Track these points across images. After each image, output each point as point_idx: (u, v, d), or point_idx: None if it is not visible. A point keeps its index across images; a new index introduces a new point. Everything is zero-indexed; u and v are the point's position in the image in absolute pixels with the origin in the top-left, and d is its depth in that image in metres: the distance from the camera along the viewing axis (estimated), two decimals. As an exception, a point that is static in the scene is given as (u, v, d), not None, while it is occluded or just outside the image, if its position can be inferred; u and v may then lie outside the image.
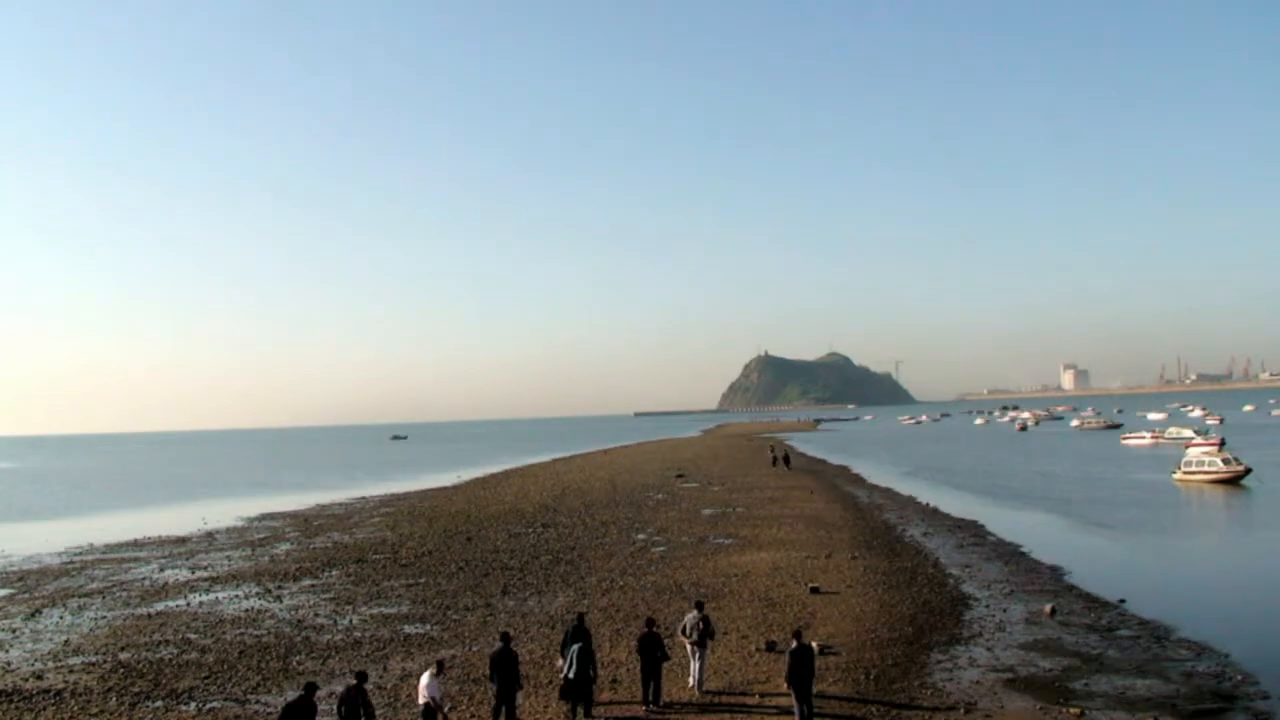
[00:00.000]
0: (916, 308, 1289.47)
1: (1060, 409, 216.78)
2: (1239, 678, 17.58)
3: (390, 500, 62.89)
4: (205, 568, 34.71)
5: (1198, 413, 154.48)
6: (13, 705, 17.52)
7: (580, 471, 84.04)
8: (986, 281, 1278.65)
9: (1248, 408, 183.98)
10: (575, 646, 15.62)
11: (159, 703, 17.41)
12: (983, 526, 39.85)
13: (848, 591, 25.76)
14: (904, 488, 59.17)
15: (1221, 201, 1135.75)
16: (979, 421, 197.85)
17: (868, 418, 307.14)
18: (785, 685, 15.15)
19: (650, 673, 16.20)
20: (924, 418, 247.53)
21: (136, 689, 18.30)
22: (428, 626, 23.25)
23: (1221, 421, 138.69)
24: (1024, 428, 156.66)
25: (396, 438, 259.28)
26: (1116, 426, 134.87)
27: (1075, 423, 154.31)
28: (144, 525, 51.64)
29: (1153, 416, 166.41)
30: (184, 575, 33.13)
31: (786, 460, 79.82)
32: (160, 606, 27.33)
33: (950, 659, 19.07)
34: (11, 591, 31.15)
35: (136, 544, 43.24)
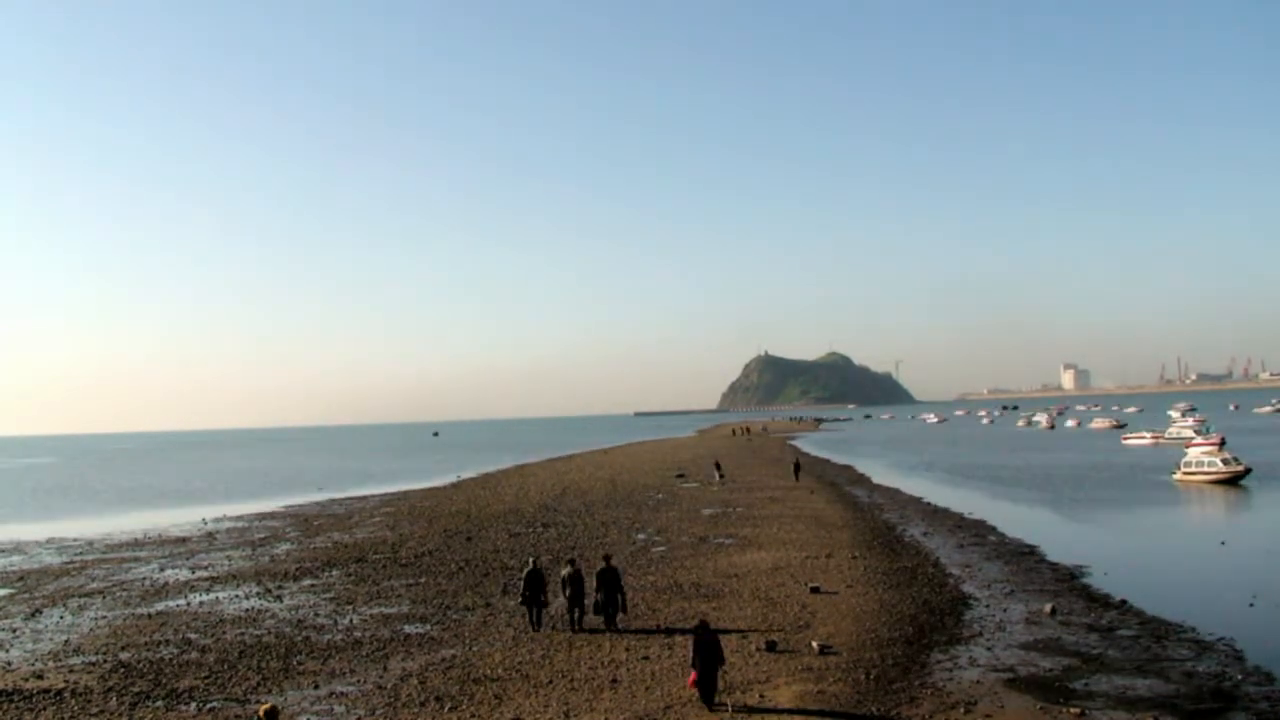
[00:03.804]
0: (916, 307, 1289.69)
1: (1112, 418, 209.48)
2: (1239, 677, 17.59)
3: (390, 500, 62.89)
4: (205, 568, 34.73)
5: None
6: (13, 705, 17.52)
7: (580, 471, 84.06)
8: (986, 281, 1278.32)
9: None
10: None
11: (159, 703, 17.42)
12: (983, 526, 39.88)
13: (848, 591, 25.78)
14: (907, 488, 59.20)
15: (1222, 200, 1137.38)
16: (1020, 423, 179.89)
17: (886, 416, 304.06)
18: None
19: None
20: (933, 417, 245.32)
21: (137, 689, 18.31)
22: (428, 626, 23.27)
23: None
24: (1053, 426, 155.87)
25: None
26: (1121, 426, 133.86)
27: (1095, 423, 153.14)
28: (144, 525, 51.70)
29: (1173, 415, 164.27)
30: (184, 575, 33.14)
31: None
32: (160, 606, 27.35)
33: (950, 659, 19.09)
34: (11, 591, 31.16)
35: (137, 544, 43.28)
